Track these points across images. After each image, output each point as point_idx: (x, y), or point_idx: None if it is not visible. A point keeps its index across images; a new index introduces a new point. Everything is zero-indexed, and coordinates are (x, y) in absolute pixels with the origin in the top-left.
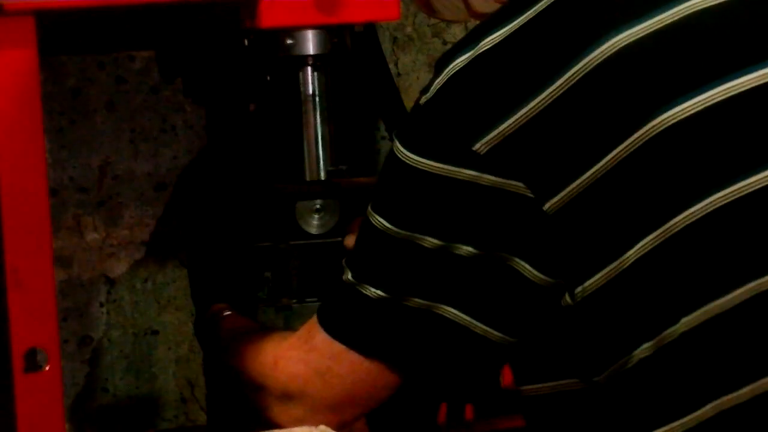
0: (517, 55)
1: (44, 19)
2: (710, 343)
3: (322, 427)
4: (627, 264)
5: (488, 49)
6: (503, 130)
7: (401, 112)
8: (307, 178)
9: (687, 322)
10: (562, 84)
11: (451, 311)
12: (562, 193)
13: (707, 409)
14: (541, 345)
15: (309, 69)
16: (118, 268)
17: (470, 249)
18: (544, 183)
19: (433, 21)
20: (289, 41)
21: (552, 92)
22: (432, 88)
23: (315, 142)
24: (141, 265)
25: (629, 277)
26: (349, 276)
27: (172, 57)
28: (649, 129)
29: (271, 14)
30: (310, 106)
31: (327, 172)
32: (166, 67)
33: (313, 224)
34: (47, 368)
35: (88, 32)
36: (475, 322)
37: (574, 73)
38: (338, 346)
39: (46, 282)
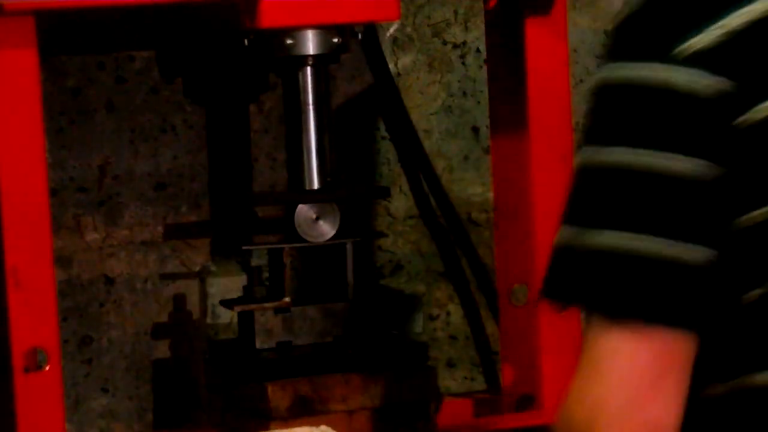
0: None
1: (44, 19)
2: None
3: (323, 427)
4: None
5: None
6: (714, 31)
7: (401, 112)
8: (306, 187)
9: None
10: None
11: None
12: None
13: None
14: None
15: (308, 69)
16: (118, 268)
17: None
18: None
19: (433, 21)
20: (289, 41)
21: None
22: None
23: (314, 144)
24: (141, 265)
25: None
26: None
27: (172, 57)
28: None
29: (271, 14)
30: (310, 106)
31: (324, 178)
32: (166, 67)
33: (312, 232)
34: (47, 368)
35: (88, 32)
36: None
37: None
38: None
39: (46, 282)
